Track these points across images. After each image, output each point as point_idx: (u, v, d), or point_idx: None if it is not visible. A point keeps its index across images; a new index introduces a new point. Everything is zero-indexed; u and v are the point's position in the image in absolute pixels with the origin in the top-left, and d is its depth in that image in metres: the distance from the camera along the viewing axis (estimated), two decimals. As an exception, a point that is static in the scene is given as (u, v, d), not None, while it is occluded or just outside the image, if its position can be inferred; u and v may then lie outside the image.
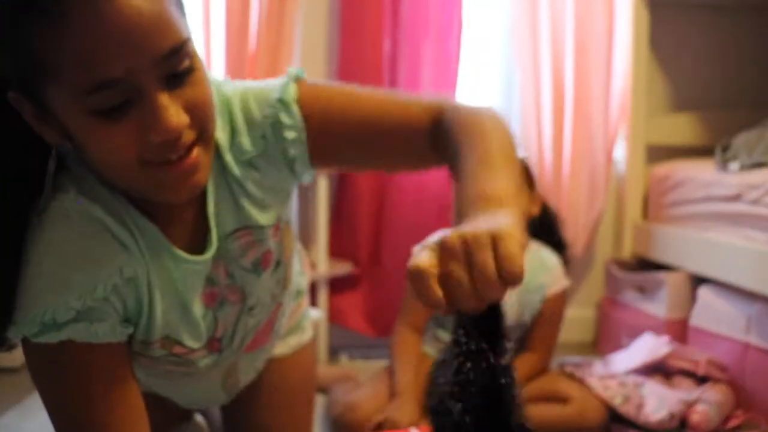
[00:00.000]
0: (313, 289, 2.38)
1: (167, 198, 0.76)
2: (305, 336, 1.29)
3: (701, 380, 1.89)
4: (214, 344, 0.91)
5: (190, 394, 1.09)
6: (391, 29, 2.44)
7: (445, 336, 1.86)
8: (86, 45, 0.65)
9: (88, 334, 0.75)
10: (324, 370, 2.14)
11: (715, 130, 2.66)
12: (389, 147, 0.85)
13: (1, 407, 1.88)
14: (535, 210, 1.89)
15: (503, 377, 0.62)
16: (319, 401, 1.95)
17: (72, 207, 0.75)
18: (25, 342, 0.76)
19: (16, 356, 2.26)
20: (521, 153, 2.56)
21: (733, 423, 1.82)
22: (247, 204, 0.86)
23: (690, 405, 1.75)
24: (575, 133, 2.55)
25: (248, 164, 0.84)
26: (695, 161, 2.50)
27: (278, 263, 0.94)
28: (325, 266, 2.34)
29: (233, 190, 0.85)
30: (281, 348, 1.22)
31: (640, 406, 1.74)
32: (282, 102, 0.82)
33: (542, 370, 1.86)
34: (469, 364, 0.61)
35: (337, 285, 2.47)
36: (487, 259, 0.56)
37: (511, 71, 2.68)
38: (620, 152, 2.68)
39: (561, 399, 1.72)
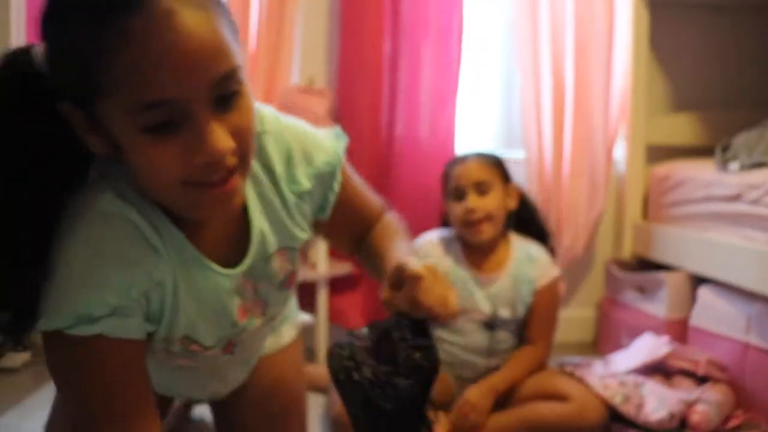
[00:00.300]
0: (313, 289, 2.38)
1: (200, 216, 0.81)
2: (283, 339, 1.31)
3: (701, 380, 1.89)
4: (228, 347, 0.96)
5: (193, 387, 1.14)
6: (392, 29, 2.44)
7: (440, 334, 1.87)
8: (145, 65, 0.67)
9: (119, 330, 0.77)
10: (323, 370, 2.14)
11: (715, 130, 2.66)
12: (350, 233, 1.07)
13: (1, 407, 1.88)
14: (513, 204, 1.89)
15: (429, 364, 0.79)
16: (319, 401, 1.96)
17: (109, 208, 0.77)
18: (48, 335, 0.77)
19: (17, 357, 2.27)
20: (520, 153, 2.56)
21: (733, 423, 1.82)
22: (291, 226, 0.93)
23: (690, 405, 1.75)
24: (575, 133, 2.55)
25: (300, 195, 0.93)
26: (695, 161, 2.50)
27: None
28: (325, 266, 2.34)
29: (284, 214, 0.92)
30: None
31: (640, 406, 1.74)
32: (340, 158, 0.98)
33: (543, 362, 1.87)
34: (404, 354, 0.78)
35: (337, 285, 2.47)
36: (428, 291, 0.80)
37: (512, 71, 2.69)
38: (620, 152, 2.68)
39: (560, 397, 1.72)
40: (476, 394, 1.71)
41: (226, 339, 0.93)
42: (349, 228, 1.05)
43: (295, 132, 0.93)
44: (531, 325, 1.88)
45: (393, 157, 2.46)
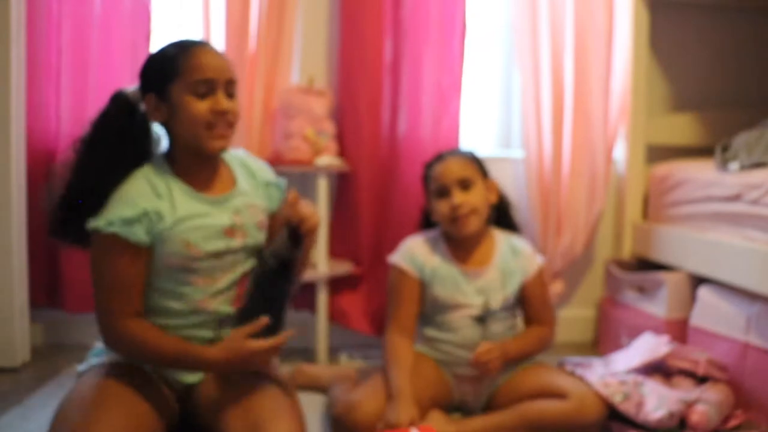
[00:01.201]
0: (313, 289, 2.38)
1: (212, 146, 1.40)
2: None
3: (701, 380, 1.90)
4: (219, 256, 1.43)
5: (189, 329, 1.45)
6: (393, 29, 2.44)
7: (432, 333, 1.89)
8: (201, 63, 1.38)
9: (127, 232, 1.33)
10: (324, 370, 2.15)
11: (714, 130, 2.67)
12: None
13: (2, 407, 1.88)
14: (493, 198, 1.93)
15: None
16: (320, 401, 1.96)
17: (141, 174, 1.41)
18: (92, 234, 1.36)
19: (17, 356, 2.29)
20: (520, 152, 2.57)
21: (732, 423, 1.82)
22: (255, 195, 1.54)
23: (690, 405, 1.75)
24: (575, 133, 2.55)
25: (260, 184, 1.56)
26: (695, 161, 2.50)
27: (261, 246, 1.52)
28: (325, 266, 2.35)
29: (252, 185, 1.54)
30: None
31: (640, 405, 1.74)
32: (281, 186, 1.60)
33: (551, 341, 1.93)
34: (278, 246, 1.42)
35: (337, 285, 2.48)
36: None
37: (511, 71, 2.69)
38: (620, 152, 2.68)
39: (560, 395, 1.72)
40: (487, 347, 1.76)
41: (216, 250, 1.41)
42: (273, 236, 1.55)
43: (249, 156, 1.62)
44: (533, 313, 1.92)
45: (395, 157, 2.46)
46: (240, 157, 1.57)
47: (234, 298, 1.47)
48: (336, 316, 2.49)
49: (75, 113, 2.31)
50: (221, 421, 1.37)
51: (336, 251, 2.52)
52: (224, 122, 1.39)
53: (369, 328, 2.49)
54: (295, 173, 2.50)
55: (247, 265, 1.48)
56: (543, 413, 1.70)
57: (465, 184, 1.86)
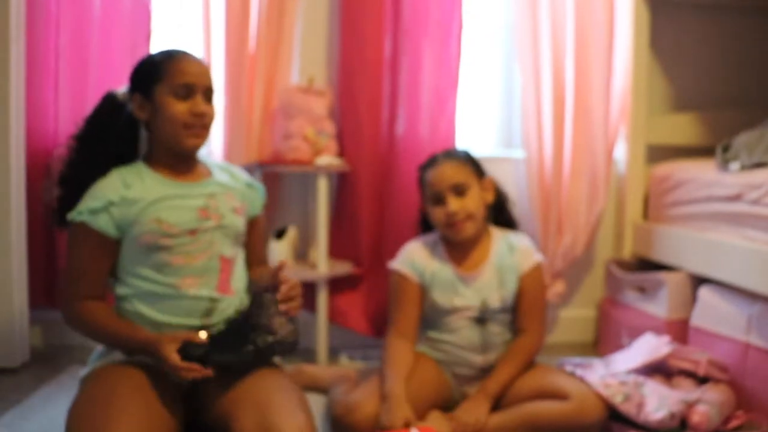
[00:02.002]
0: (313, 289, 2.38)
1: (187, 144, 1.51)
2: None
3: (702, 380, 1.89)
4: (193, 233, 1.49)
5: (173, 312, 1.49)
6: (392, 28, 2.43)
7: (433, 334, 1.89)
8: (183, 68, 1.50)
9: (92, 221, 1.44)
10: (324, 370, 2.14)
11: (715, 129, 2.66)
12: (252, 260, 1.68)
13: (2, 407, 1.88)
14: (490, 197, 1.93)
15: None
16: (320, 401, 1.96)
17: (121, 170, 1.52)
18: (70, 224, 1.47)
19: (17, 356, 2.28)
20: (520, 152, 2.56)
21: (733, 423, 1.82)
22: (232, 185, 1.62)
23: (690, 405, 1.75)
24: (575, 133, 2.54)
25: (241, 183, 1.66)
26: (696, 161, 2.50)
27: (241, 233, 1.60)
28: (325, 266, 2.34)
29: (229, 178, 1.64)
30: None
31: (640, 405, 1.74)
32: (261, 192, 1.71)
33: (537, 350, 1.88)
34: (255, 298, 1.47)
35: (337, 285, 2.47)
36: None
37: (512, 71, 2.68)
38: (620, 152, 2.68)
39: (560, 396, 1.72)
40: (470, 411, 1.73)
41: (189, 228, 1.48)
42: (252, 249, 1.68)
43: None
44: (520, 314, 1.89)
45: (394, 156, 2.46)
46: (219, 162, 1.71)
47: (217, 284, 1.51)
48: (336, 317, 2.48)
49: (74, 114, 2.29)
50: (231, 416, 1.36)
51: (336, 251, 2.52)
52: (200, 123, 1.50)
53: (369, 329, 2.49)
54: (295, 173, 2.50)
55: (225, 246, 1.54)
56: (544, 414, 1.70)
57: (459, 190, 1.85)
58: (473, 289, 1.86)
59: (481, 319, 1.85)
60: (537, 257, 1.93)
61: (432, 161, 1.93)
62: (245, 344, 1.40)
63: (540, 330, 1.90)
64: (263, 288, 1.48)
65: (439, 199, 1.87)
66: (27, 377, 2.14)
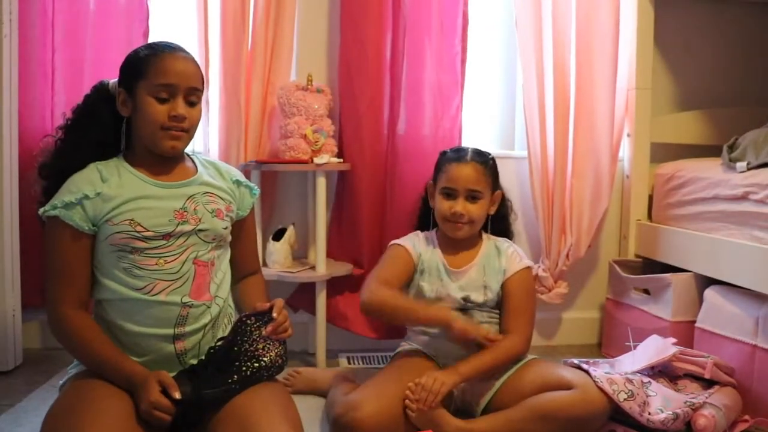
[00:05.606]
0: (312, 289, 2.35)
1: (165, 146, 1.46)
2: None
3: (708, 383, 1.86)
4: (167, 237, 1.45)
5: (147, 321, 1.44)
6: (393, 25, 2.40)
7: (431, 330, 1.89)
8: (166, 67, 1.44)
9: (66, 215, 1.40)
10: (322, 372, 2.12)
11: (721, 128, 2.64)
12: (241, 264, 1.66)
13: (-7, 411, 1.85)
14: (493, 209, 1.99)
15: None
16: (318, 404, 1.93)
17: (99, 163, 1.48)
18: (46, 219, 1.43)
19: (9, 360, 2.25)
20: (524, 151, 2.53)
21: (740, 427, 1.80)
22: (219, 188, 1.58)
23: (696, 408, 1.72)
24: (580, 132, 2.51)
25: (228, 181, 1.62)
26: (701, 160, 2.47)
27: (223, 235, 1.54)
28: (323, 267, 2.31)
29: (216, 177, 1.60)
30: None
31: (644, 404, 1.70)
32: (252, 190, 1.66)
33: (518, 353, 1.85)
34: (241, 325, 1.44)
35: (336, 286, 2.44)
36: None
37: (515, 70, 2.66)
38: (625, 151, 2.65)
39: (564, 386, 1.69)
40: (432, 376, 1.70)
41: (164, 231, 1.43)
42: (241, 251, 1.65)
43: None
44: (506, 316, 1.90)
45: (395, 155, 2.43)
46: (210, 159, 1.65)
47: (191, 289, 1.45)
48: (335, 318, 2.45)
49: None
50: (214, 427, 1.33)
51: (335, 252, 2.49)
52: (178, 127, 1.45)
53: (368, 331, 2.45)
54: (293, 172, 2.47)
55: (202, 250, 1.48)
56: (550, 404, 1.66)
57: (473, 196, 1.90)
58: (458, 285, 1.90)
59: (464, 309, 1.88)
60: (525, 262, 1.94)
61: (460, 155, 1.94)
62: (230, 375, 1.37)
63: (525, 333, 1.88)
64: (245, 314, 1.45)
65: (450, 194, 1.91)
66: (20, 381, 2.11)
